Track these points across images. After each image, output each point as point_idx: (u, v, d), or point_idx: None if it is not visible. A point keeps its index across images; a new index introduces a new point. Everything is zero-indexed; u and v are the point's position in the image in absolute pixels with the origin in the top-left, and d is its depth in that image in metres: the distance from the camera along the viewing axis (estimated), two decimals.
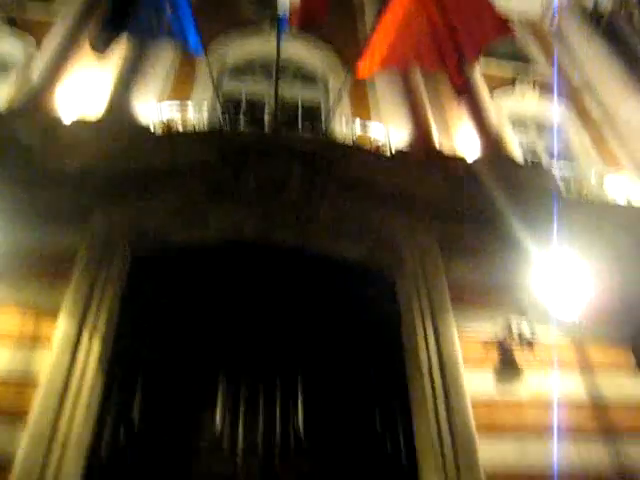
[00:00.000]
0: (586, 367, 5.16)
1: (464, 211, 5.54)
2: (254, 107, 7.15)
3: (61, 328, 4.49)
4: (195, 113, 6.42)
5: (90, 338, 4.46)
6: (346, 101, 7.21)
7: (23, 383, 4.26)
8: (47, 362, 4.31)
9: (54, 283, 4.78)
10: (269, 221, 5.28)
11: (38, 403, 4.11)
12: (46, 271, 4.84)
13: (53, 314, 4.59)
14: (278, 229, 5.28)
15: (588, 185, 7.10)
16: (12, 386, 4.25)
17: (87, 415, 4.21)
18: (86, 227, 5.10)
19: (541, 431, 4.65)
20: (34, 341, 4.48)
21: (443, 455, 4.32)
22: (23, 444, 3.94)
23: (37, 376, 4.27)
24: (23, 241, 4.87)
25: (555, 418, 4.74)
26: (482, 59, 8.09)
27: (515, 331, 4.95)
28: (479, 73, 8.41)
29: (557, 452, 4.57)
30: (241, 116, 6.55)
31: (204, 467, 4.36)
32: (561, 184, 6.47)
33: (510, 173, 6.08)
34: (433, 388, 4.58)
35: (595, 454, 4.64)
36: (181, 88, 7.11)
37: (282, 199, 5.23)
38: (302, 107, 7.46)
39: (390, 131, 6.67)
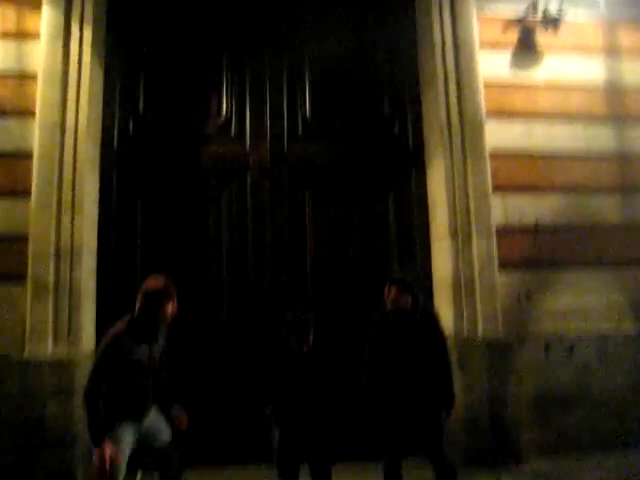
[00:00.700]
0: (610, 50, 4.84)
1: None
2: None
3: (46, 18, 4.17)
4: None
5: (80, 27, 4.16)
6: None
7: (23, 77, 4.14)
8: (40, 54, 4.12)
9: None
10: None
11: (41, 94, 4.05)
12: None
13: (36, 5, 4.22)
14: None
15: None
16: (12, 81, 4.14)
17: (92, 105, 4.17)
18: None
19: (552, 115, 4.60)
20: (22, 36, 4.21)
21: (450, 137, 4.35)
22: (36, 135, 4.01)
23: (35, 69, 4.13)
24: None
25: (568, 102, 4.64)
26: None
27: (540, 8, 4.50)
28: None
29: (564, 135, 4.59)
30: None
31: (214, 151, 4.49)
32: None
33: None
34: (445, 70, 4.37)
35: (603, 137, 4.67)
36: None
37: None
38: None
39: None
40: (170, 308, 2.80)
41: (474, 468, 3.98)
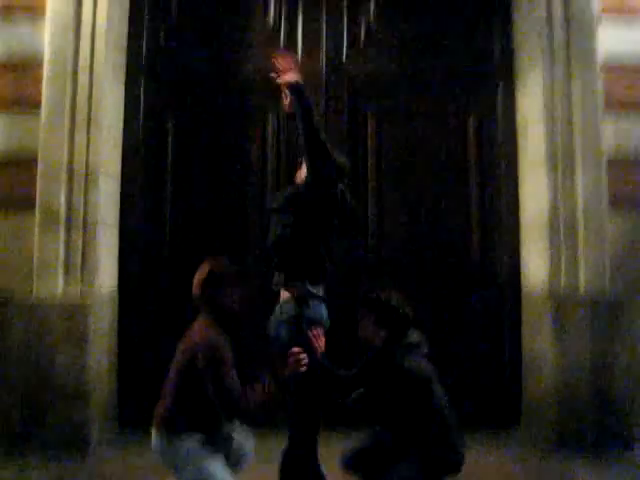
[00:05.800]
0: None
1: None
2: None
3: None
4: None
5: None
6: None
7: None
8: None
9: None
10: None
11: None
12: None
13: None
14: None
15: None
16: None
17: (113, 3, 3.43)
18: None
19: None
20: None
21: (551, 41, 3.42)
22: (47, 35, 3.34)
23: None
24: None
25: None
26: None
27: None
28: None
29: None
30: None
31: (258, 64, 3.65)
32: None
33: None
34: None
35: None
36: None
37: None
38: None
39: None
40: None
41: (570, 452, 3.21)
